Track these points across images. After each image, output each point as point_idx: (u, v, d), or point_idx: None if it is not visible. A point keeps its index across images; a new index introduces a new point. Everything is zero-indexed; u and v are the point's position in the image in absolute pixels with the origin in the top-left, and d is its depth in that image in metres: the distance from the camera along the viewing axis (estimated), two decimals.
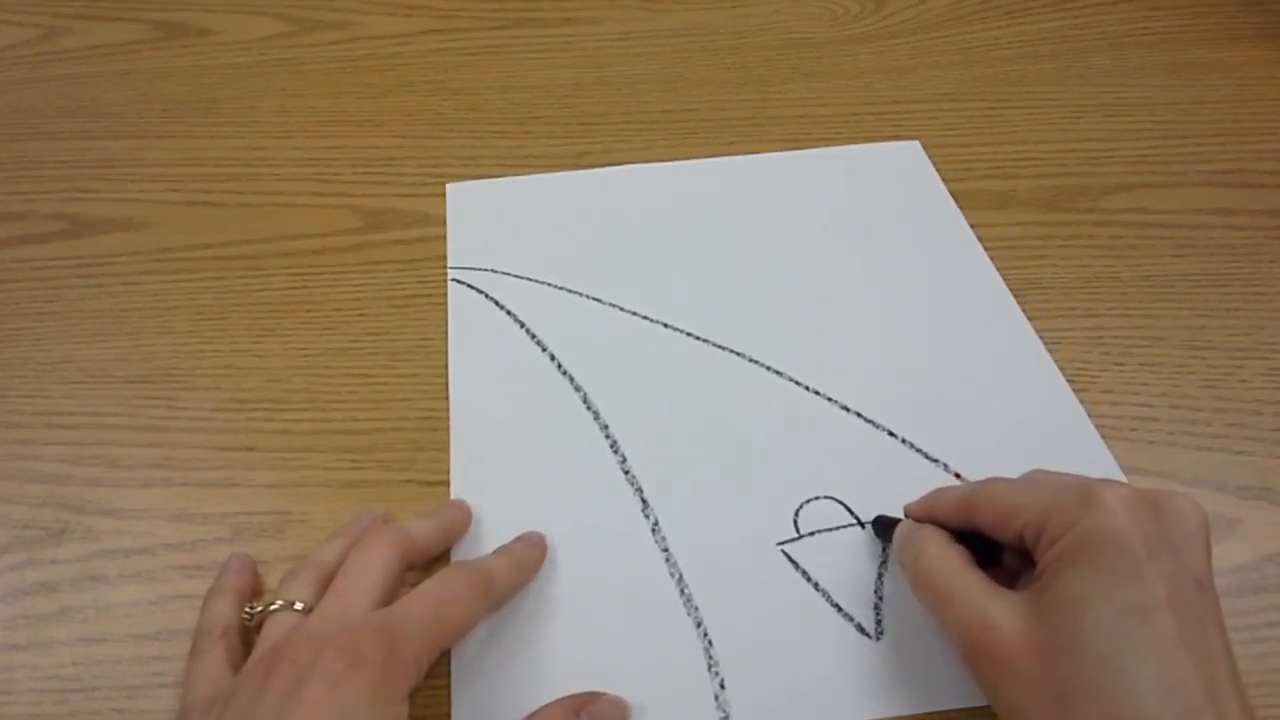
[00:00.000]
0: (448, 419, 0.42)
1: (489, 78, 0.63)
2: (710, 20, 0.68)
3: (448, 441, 0.41)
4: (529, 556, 0.36)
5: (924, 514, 0.35)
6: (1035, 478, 0.33)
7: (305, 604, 0.32)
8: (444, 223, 0.52)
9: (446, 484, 0.40)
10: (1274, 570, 0.37)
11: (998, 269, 0.48)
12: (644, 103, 0.60)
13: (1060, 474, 0.33)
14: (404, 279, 0.49)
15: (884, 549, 0.37)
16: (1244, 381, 0.43)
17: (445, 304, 0.47)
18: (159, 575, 0.37)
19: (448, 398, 0.43)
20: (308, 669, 0.28)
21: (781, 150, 0.56)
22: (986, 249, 0.49)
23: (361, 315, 0.47)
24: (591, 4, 0.69)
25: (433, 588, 0.32)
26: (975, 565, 0.32)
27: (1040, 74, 0.62)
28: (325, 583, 0.33)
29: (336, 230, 0.52)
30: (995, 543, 0.32)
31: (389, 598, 0.32)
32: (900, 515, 0.37)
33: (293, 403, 0.43)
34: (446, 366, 0.44)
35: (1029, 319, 0.46)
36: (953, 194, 0.52)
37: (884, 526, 0.37)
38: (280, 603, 0.33)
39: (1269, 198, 0.52)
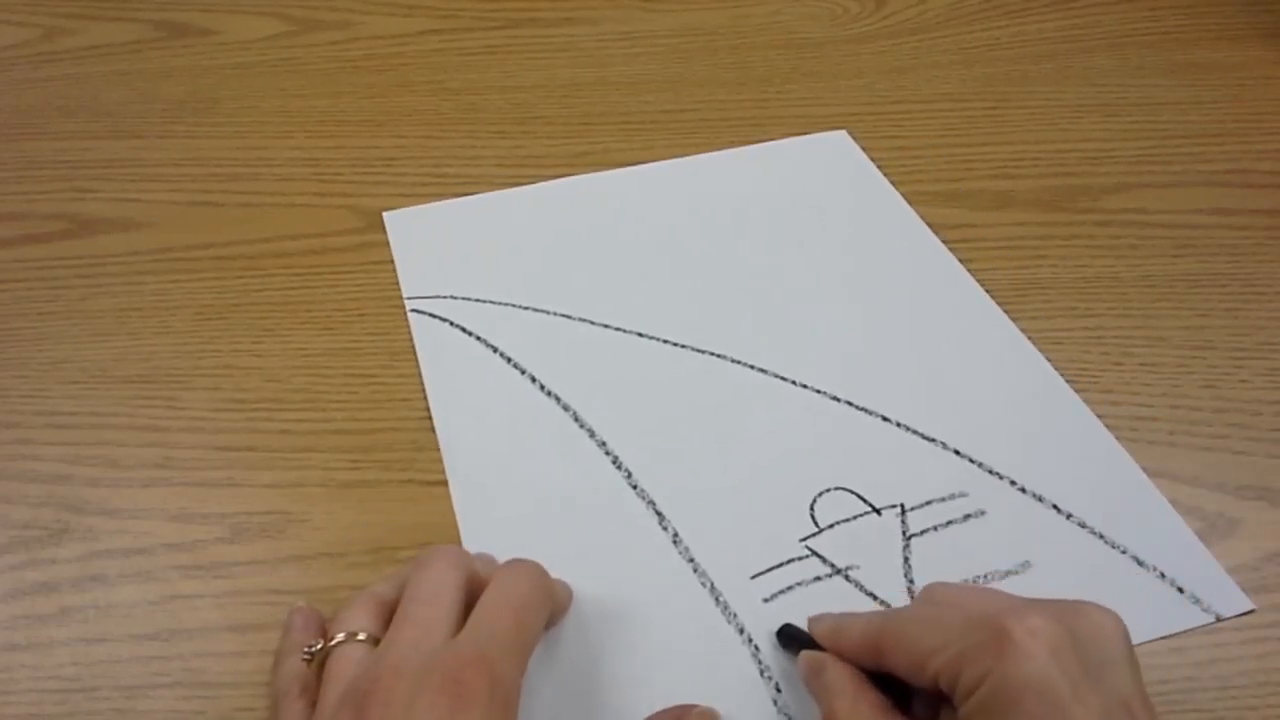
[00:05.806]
0: None
1: (489, 78, 0.63)
2: (710, 20, 0.68)
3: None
4: (561, 585, 0.35)
5: (831, 644, 0.32)
6: (940, 611, 0.30)
7: (368, 634, 0.30)
8: None
9: (446, 484, 0.40)
10: (1274, 570, 0.37)
11: (989, 268, 0.48)
12: (644, 103, 0.60)
13: (964, 594, 0.31)
14: None
15: (904, 534, 0.37)
16: (1244, 381, 0.43)
17: None
18: (159, 575, 0.37)
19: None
20: (406, 712, 0.26)
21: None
22: (987, 249, 0.49)
23: (361, 315, 0.47)
24: (591, 4, 0.69)
25: (502, 596, 0.30)
26: (893, 711, 0.29)
27: (1040, 74, 0.62)
28: (384, 611, 0.31)
29: (336, 230, 0.52)
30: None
31: (461, 622, 0.30)
32: (810, 621, 0.34)
33: (292, 403, 0.43)
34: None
35: (1025, 318, 0.46)
36: (952, 194, 0.53)
37: (790, 639, 0.34)
38: (342, 635, 0.30)
39: (1269, 198, 0.52)
